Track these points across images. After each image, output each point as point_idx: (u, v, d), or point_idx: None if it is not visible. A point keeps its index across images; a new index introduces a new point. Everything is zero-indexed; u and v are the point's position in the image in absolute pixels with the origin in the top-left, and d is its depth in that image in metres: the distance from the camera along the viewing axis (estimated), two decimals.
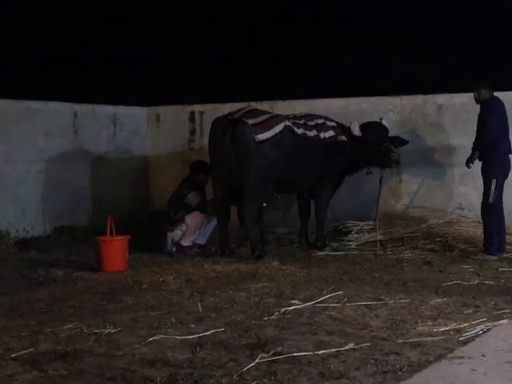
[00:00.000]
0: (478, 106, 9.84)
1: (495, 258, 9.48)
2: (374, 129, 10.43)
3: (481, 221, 10.14)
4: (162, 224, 10.60)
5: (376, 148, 10.27)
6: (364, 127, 10.42)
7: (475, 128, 11.10)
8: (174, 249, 10.33)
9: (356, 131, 10.32)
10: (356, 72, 15.65)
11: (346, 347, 5.50)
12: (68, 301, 7.31)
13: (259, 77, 16.03)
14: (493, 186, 9.56)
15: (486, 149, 9.61)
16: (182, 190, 10.56)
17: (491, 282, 8.06)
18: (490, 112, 9.62)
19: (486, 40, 15.35)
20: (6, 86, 13.16)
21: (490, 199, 9.60)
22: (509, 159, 9.79)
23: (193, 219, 10.36)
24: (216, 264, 9.35)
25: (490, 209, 9.64)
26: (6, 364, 5.24)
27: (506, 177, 9.77)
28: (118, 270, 8.90)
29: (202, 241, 10.55)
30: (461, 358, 5.22)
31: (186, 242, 10.36)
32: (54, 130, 11.87)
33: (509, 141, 9.78)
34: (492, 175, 9.61)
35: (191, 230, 10.38)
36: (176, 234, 10.37)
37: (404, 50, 15.69)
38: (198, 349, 5.50)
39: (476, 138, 9.82)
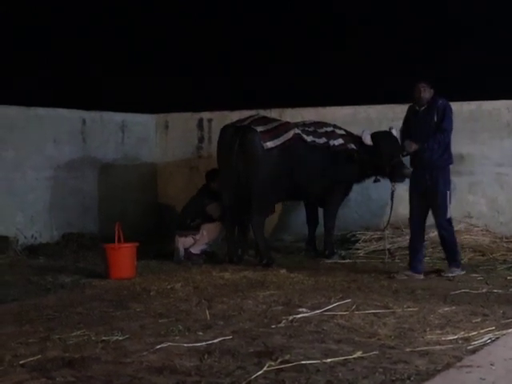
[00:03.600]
0: (433, 108, 9.01)
1: (464, 272, 9.08)
2: (384, 140, 10.26)
3: (488, 228, 10.12)
4: (175, 228, 10.60)
5: (387, 161, 10.09)
6: (374, 137, 10.31)
7: (481, 136, 11.15)
8: (183, 256, 10.33)
9: (367, 140, 10.24)
10: (364, 80, 15.65)
11: (354, 355, 5.49)
12: (76, 308, 7.31)
13: (268, 84, 16.05)
14: (448, 199, 8.90)
15: (441, 156, 8.94)
16: (201, 198, 10.54)
17: (500, 291, 8.02)
18: (446, 113, 8.93)
19: (493, 48, 15.34)
20: (14, 93, 13.21)
21: (448, 213, 8.95)
22: None
23: (209, 232, 10.37)
24: (224, 271, 9.34)
25: (450, 222, 9.06)
26: (14, 371, 5.24)
27: None
28: (125, 277, 8.90)
29: (210, 248, 10.55)
30: (469, 366, 5.20)
31: (195, 250, 10.36)
32: (63, 136, 11.90)
33: None
34: (447, 186, 8.97)
35: (204, 241, 10.39)
36: (188, 241, 10.37)
37: (412, 57, 15.69)
38: (205, 356, 5.49)
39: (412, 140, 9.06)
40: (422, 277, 8.97)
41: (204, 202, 10.47)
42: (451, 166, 9.12)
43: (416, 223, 9.16)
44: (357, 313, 6.94)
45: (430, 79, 9.30)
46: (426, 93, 9.04)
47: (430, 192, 8.92)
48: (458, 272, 9.04)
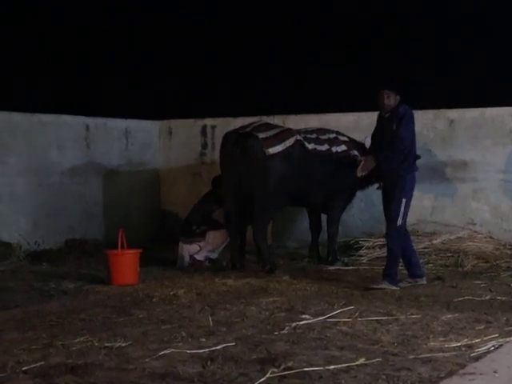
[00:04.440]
0: (393, 114, 8.71)
1: (398, 288, 8.51)
2: None
3: (491, 235, 10.07)
4: (179, 235, 10.59)
5: None
6: None
7: (485, 143, 11.15)
8: (187, 263, 10.32)
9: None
10: (367, 86, 15.64)
11: (357, 362, 5.48)
12: (79, 314, 7.31)
13: (271, 91, 16.06)
14: (402, 207, 8.52)
15: (400, 164, 8.61)
16: (208, 204, 10.54)
17: (503, 298, 8.00)
18: (403, 120, 8.58)
19: (496, 54, 15.34)
20: (18, 99, 13.23)
21: (399, 221, 8.53)
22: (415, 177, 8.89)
23: (215, 239, 10.36)
24: (227, 278, 9.34)
25: (397, 232, 8.60)
26: (17, 377, 5.23)
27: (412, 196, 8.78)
28: (128, 283, 8.90)
29: (213, 255, 10.55)
30: (472, 374, 5.18)
31: (199, 257, 10.36)
32: (66, 143, 11.93)
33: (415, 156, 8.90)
34: (404, 194, 8.57)
35: (209, 248, 10.39)
36: (194, 248, 10.35)
37: (415, 64, 15.69)
38: (208, 363, 5.48)
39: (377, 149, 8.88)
40: (424, 281, 8.91)
41: (212, 207, 10.48)
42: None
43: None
44: (360, 320, 6.93)
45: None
46: (391, 100, 8.72)
47: (389, 199, 8.70)
48: (386, 286, 8.53)
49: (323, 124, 11.38)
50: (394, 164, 8.61)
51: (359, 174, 8.92)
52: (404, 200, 8.56)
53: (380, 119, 9.00)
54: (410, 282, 8.85)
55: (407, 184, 8.66)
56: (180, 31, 17.58)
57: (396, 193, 8.58)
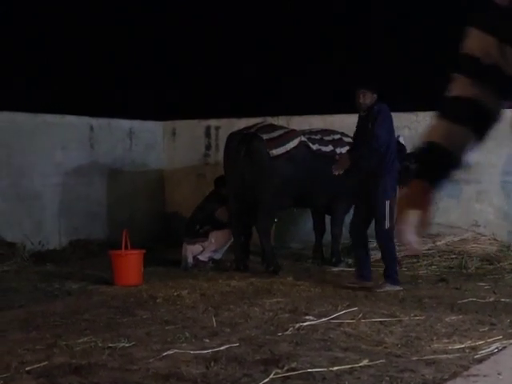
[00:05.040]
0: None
1: (401, 288, 8.51)
2: None
3: (495, 237, 10.04)
4: (183, 235, 10.59)
5: None
6: None
7: (488, 145, 11.11)
8: (191, 264, 10.32)
9: None
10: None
11: (361, 364, 5.47)
12: (83, 314, 7.32)
13: (275, 92, 16.06)
14: (386, 209, 8.35)
15: (379, 163, 8.49)
16: (210, 203, 10.56)
17: (507, 300, 7.99)
18: (378, 118, 8.48)
19: None
20: (22, 100, 13.23)
21: (387, 224, 8.35)
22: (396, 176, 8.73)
23: (217, 238, 10.37)
24: (231, 279, 9.34)
25: (389, 234, 8.41)
26: (21, 377, 5.24)
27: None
28: (132, 283, 8.91)
29: (217, 256, 10.55)
30: (476, 375, 5.17)
31: (203, 257, 10.36)
32: (71, 143, 11.93)
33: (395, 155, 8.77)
34: (387, 195, 8.43)
35: (212, 248, 10.39)
36: (197, 248, 10.36)
37: (417, 65, 15.68)
38: (212, 364, 5.48)
39: (356, 149, 8.82)
40: (371, 284, 8.72)
41: (214, 206, 10.50)
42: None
43: (354, 230, 8.92)
44: (363, 321, 6.93)
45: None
46: (367, 98, 8.66)
47: (371, 200, 8.57)
48: (389, 288, 8.51)
49: (327, 125, 11.39)
50: (371, 163, 8.50)
51: (335, 172, 8.86)
52: (387, 202, 8.43)
53: (358, 119, 8.96)
54: (354, 283, 8.76)
55: (388, 184, 8.53)
56: (183, 31, 17.59)
57: (378, 194, 8.47)
